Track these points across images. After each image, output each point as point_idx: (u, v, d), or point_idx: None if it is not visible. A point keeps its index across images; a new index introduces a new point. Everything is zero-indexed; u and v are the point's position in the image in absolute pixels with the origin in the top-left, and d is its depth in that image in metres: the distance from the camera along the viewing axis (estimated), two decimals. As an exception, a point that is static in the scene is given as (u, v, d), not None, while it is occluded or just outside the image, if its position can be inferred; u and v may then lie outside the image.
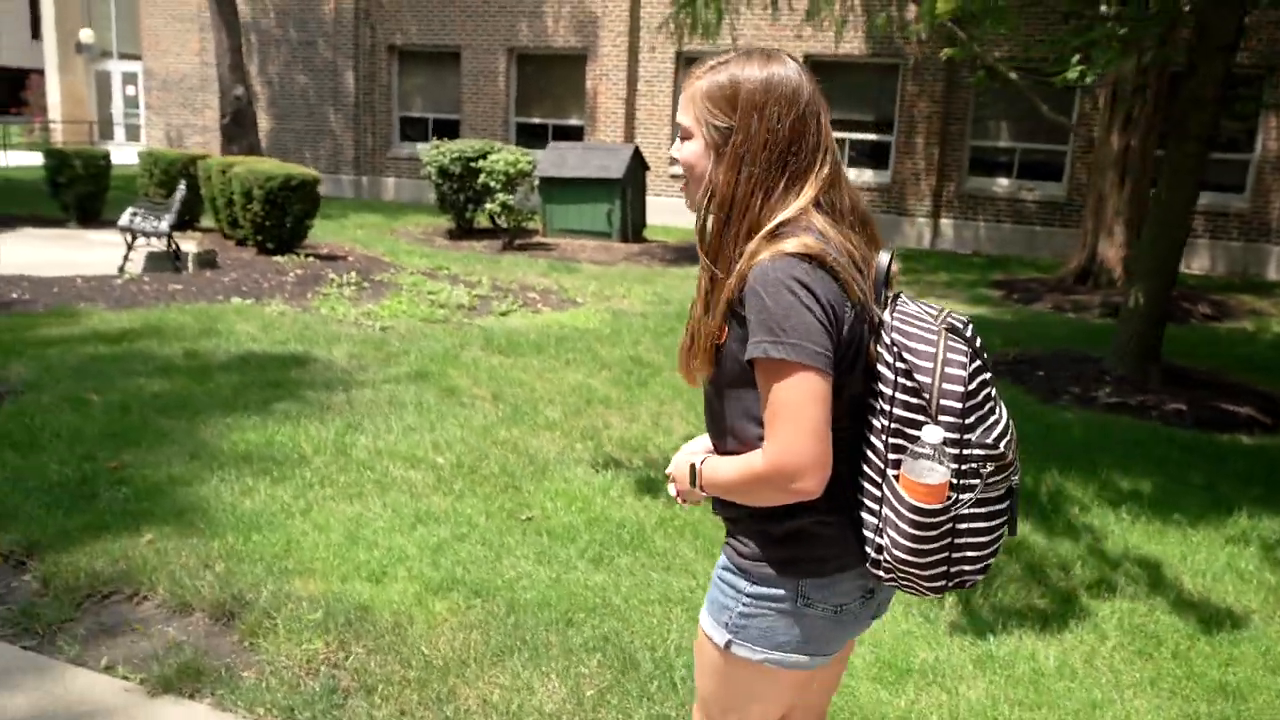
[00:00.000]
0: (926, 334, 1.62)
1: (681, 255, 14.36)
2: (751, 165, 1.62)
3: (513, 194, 14.48)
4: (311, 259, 11.42)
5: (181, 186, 11.11)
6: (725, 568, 1.78)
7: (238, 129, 19.12)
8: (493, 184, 14.31)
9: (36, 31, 48.18)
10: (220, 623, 3.45)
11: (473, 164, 14.83)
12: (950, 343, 1.62)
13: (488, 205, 14.39)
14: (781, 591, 1.70)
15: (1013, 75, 13.05)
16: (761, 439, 1.63)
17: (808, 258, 1.57)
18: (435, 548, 4.01)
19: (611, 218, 15.56)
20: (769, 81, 1.63)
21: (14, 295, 8.61)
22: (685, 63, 19.11)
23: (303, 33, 21.62)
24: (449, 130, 21.25)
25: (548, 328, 8.46)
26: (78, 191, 14.05)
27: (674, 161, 1.76)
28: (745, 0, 16.04)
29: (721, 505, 1.79)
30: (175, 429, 5.28)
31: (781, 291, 1.55)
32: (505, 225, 14.42)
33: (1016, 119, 17.42)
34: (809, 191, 1.63)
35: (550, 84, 20.53)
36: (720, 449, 1.78)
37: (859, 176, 18.32)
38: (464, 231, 15.60)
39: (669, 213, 18.18)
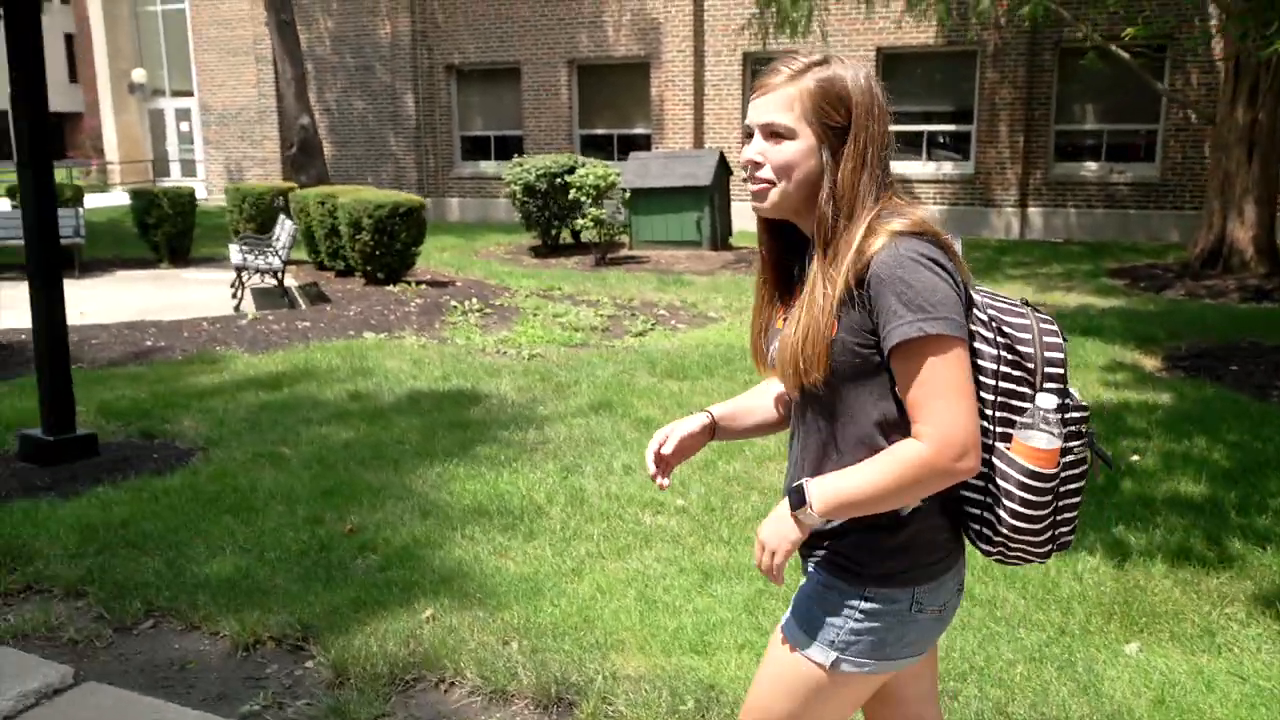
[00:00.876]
0: (1015, 308, 1.68)
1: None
2: (873, 164, 1.66)
3: (602, 208, 14.14)
4: (423, 286, 11.13)
5: (288, 222, 10.84)
6: (830, 585, 1.72)
7: (305, 158, 18.98)
8: (583, 199, 13.98)
9: (74, 75, 48.65)
10: (551, 713, 3.08)
11: (558, 180, 14.52)
12: (1038, 315, 1.68)
13: (578, 220, 14.05)
14: (897, 604, 1.68)
15: (1124, 54, 12.53)
16: (882, 431, 1.64)
17: (924, 234, 1.62)
18: (746, 607, 3.63)
19: (701, 226, 15.19)
20: (869, 84, 1.69)
21: (148, 343, 8.35)
22: (753, 65, 18.74)
23: (359, 58, 21.46)
24: (512, 147, 20.99)
25: (701, 347, 8.08)
26: (166, 231, 13.87)
27: (750, 165, 1.72)
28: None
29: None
30: (387, 483, 4.94)
31: (919, 269, 1.57)
32: (596, 240, 14.08)
33: (1102, 100, 16.90)
34: (890, 183, 1.70)
35: (613, 94, 20.22)
36: (821, 456, 1.71)
37: (939, 169, 17.85)
38: (549, 249, 15.29)
39: (750, 218, 17.76)
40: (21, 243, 12.15)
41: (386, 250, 10.95)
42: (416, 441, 5.59)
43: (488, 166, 21.31)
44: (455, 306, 9.90)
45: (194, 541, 4.26)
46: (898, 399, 1.64)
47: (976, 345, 1.65)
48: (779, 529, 1.68)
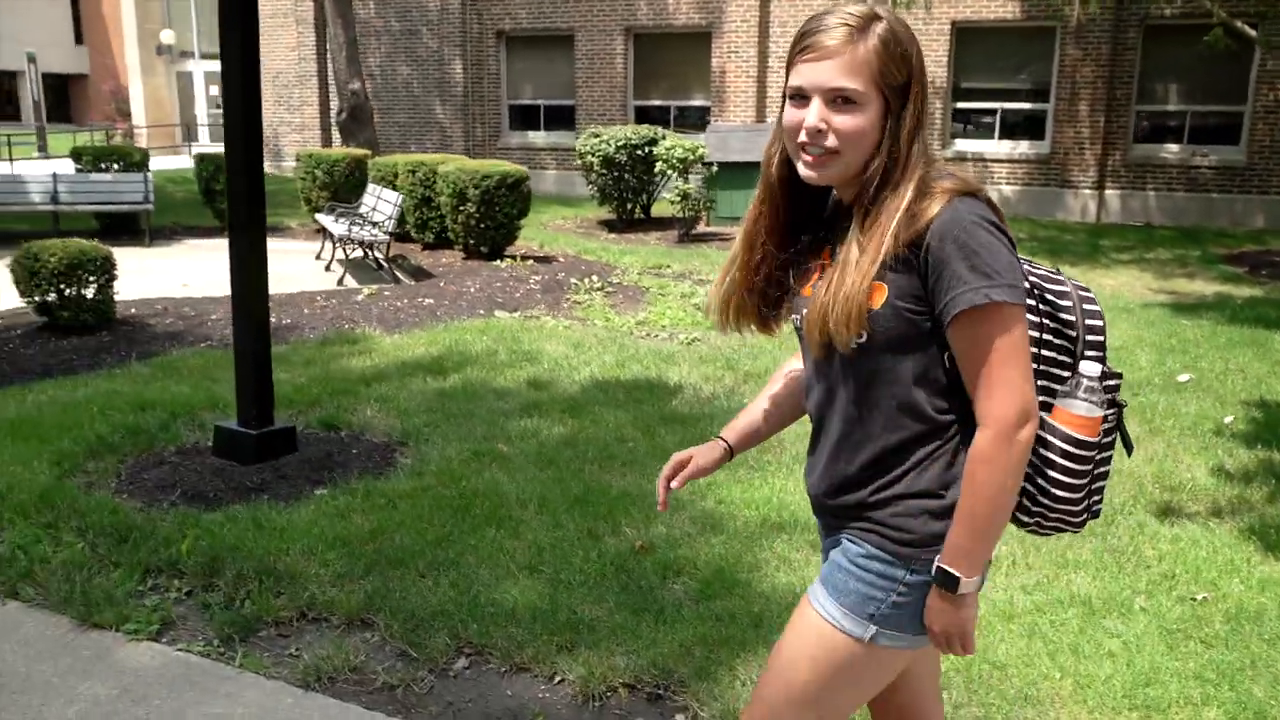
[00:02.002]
0: (1054, 276, 1.63)
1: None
2: (923, 125, 1.58)
3: (688, 182, 13.58)
4: (530, 262, 10.57)
5: (389, 192, 10.22)
6: (872, 556, 1.64)
7: (355, 125, 18.30)
8: (670, 172, 13.41)
9: (80, 37, 47.54)
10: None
11: (639, 152, 13.93)
12: (1076, 284, 1.64)
13: (665, 194, 13.48)
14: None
15: (1251, 31, 12.00)
16: (931, 402, 1.59)
17: (979, 195, 1.54)
18: (1167, 643, 3.14)
19: (781, 203, 14.63)
20: (915, 39, 1.60)
21: (276, 320, 7.79)
22: (820, 35, 18.11)
23: (404, 22, 20.73)
24: (562, 117, 20.37)
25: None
26: (232, 199, 13.21)
27: (818, 133, 1.57)
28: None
29: (853, 488, 1.66)
30: (637, 489, 4.43)
31: (981, 232, 1.50)
32: (680, 215, 13.52)
33: (1185, 80, 16.38)
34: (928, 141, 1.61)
35: (671, 64, 19.57)
36: (860, 433, 1.64)
37: (1014, 148, 17.32)
38: (625, 224, 14.72)
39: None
40: (99, 207, 11.69)
41: (491, 223, 10.36)
42: (639, 439, 5.08)
43: (536, 137, 20.68)
44: (575, 285, 9.36)
45: (465, 559, 3.75)
46: (945, 364, 1.59)
47: None
48: (952, 617, 1.59)
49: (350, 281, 9.64)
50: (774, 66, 18.47)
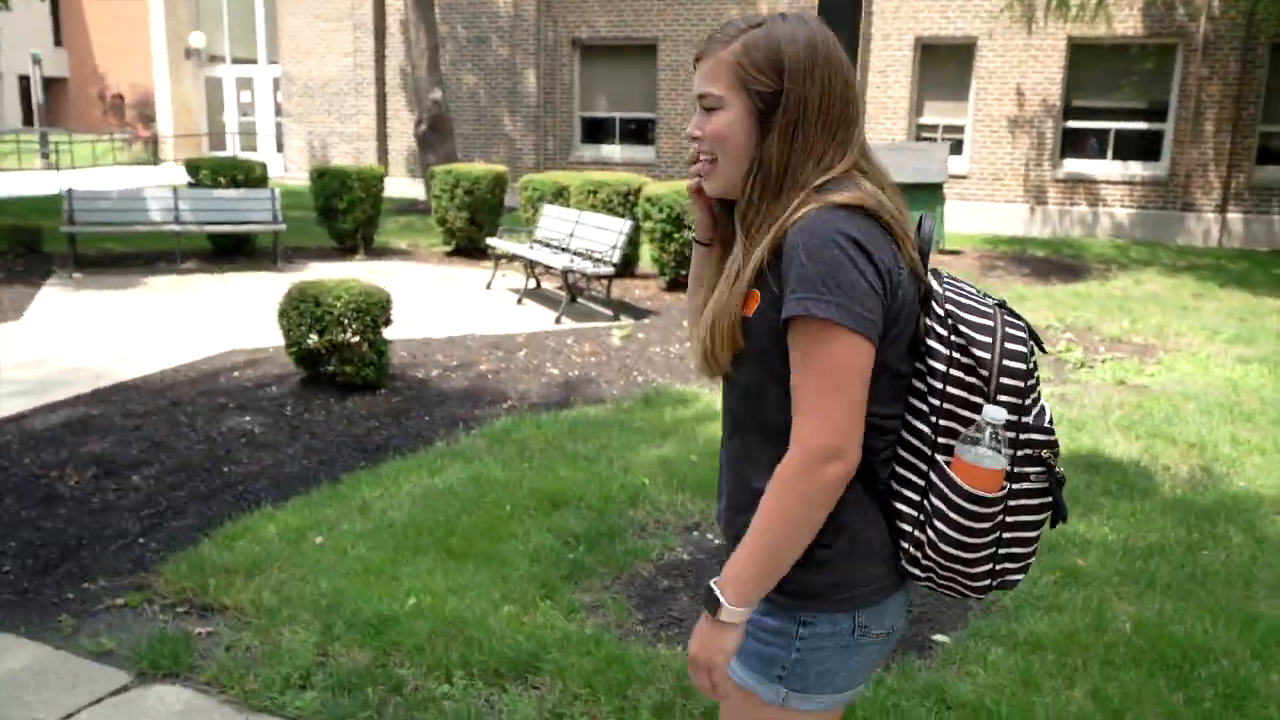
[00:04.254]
0: (982, 307, 1.50)
1: (1019, 263, 12.65)
2: (806, 133, 1.49)
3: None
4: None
5: (620, 220, 9.11)
6: (763, 614, 1.55)
7: (435, 135, 17.20)
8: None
9: (59, 40, 45.52)
10: None
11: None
12: (1007, 318, 1.50)
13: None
14: (837, 629, 1.52)
15: None
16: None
17: (860, 209, 1.43)
18: None
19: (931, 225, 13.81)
20: (812, 44, 1.50)
21: (558, 371, 6.70)
22: (922, 49, 17.39)
23: (472, 29, 19.64)
24: (638, 130, 19.41)
25: (1240, 382, 6.70)
26: (356, 217, 12.07)
27: (695, 139, 1.56)
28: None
29: (743, 514, 1.53)
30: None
31: (829, 246, 1.39)
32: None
33: (1311, 100, 15.89)
34: (853, 154, 1.51)
35: (760, 77, 18.69)
36: (746, 456, 1.56)
37: (1125, 169, 16.68)
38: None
39: (957, 216, 16.32)
40: (228, 227, 10.43)
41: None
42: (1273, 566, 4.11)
43: (611, 151, 19.68)
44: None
45: None
46: None
47: (930, 343, 1.48)
48: (706, 642, 1.49)
49: (568, 320, 8.57)
50: (874, 81, 17.68)
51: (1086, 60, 16.74)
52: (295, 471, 4.83)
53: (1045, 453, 1.48)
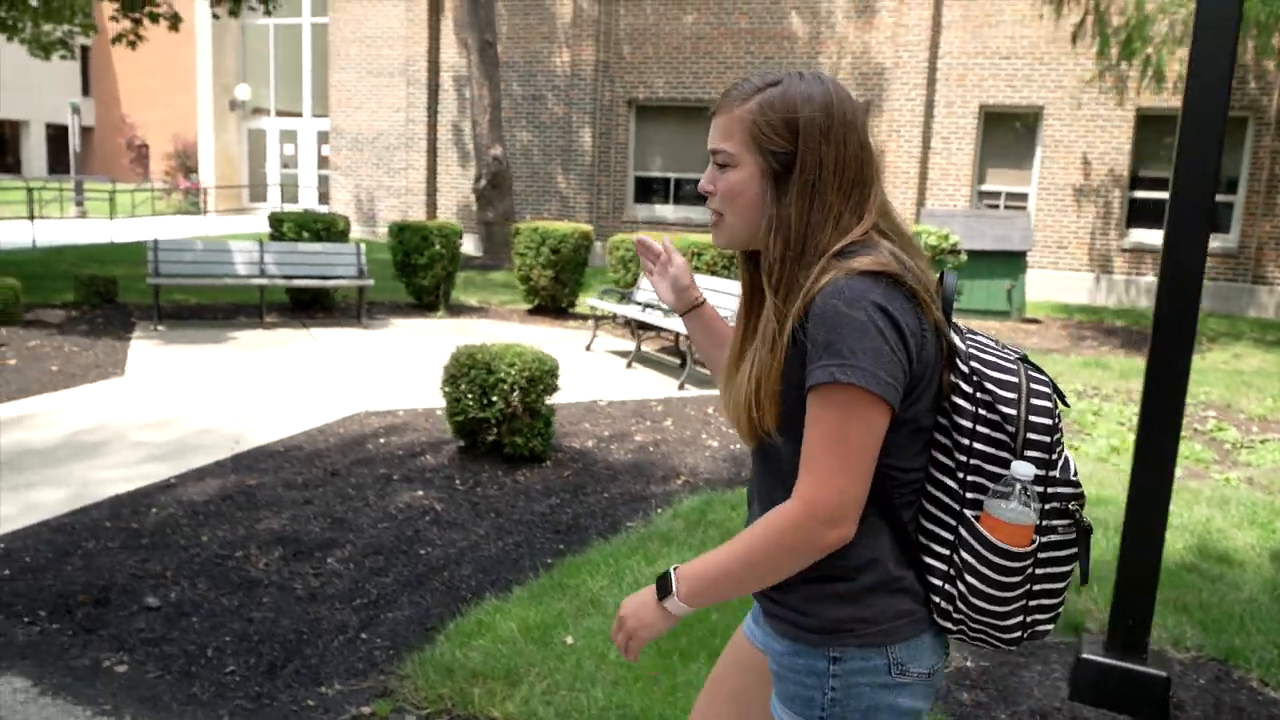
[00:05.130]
0: (1006, 363, 1.51)
1: (1105, 333, 12.32)
2: (823, 195, 1.49)
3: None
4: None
5: (735, 284, 8.80)
6: (793, 653, 1.54)
7: (495, 191, 17.03)
8: (919, 261, 12.21)
9: (87, 89, 45.74)
10: None
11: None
12: (1031, 373, 1.51)
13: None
14: (872, 664, 1.49)
15: None
16: None
17: (884, 276, 1.43)
18: None
19: (1013, 295, 13.54)
20: (828, 103, 1.50)
21: (715, 446, 6.30)
22: (986, 118, 17.27)
23: (528, 87, 19.55)
24: (690, 190, 19.23)
25: None
26: (436, 274, 11.76)
27: (706, 194, 1.58)
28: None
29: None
30: None
31: (855, 311, 1.39)
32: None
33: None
34: (871, 215, 1.51)
35: (819, 141, 18.56)
36: (762, 511, 1.58)
37: (1194, 240, 16.44)
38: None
39: (1042, 285, 16.02)
40: (314, 282, 10.08)
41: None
42: None
43: (665, 210, 19.49)
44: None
45: None
46: None
47: (955, 400, 1.48)
48: (642, 613, 1.52)
49: (691, 387, 8.21)
50: (936, 148, 17.54)
51: (1154, 131, 16.61)
52: (494, 555, 4.42)
53: (1073, 505, 1.49)
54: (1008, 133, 17.44)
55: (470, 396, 5.40)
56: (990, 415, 1.46)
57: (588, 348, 9.86)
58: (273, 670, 3.40)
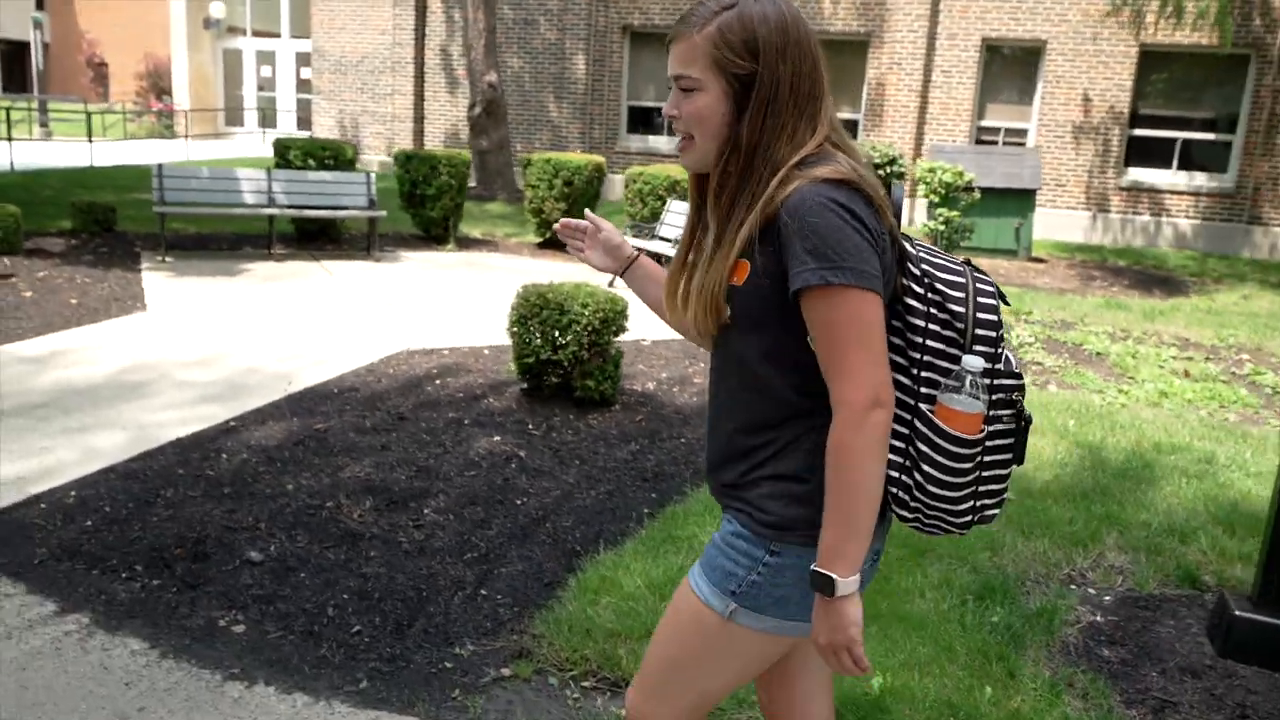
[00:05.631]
0: (954, 266, 1.60)
1: (1113, 273, 12.34)
2: (779, 111, 1.56)
3: (952, 209, 12.29)
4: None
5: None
6: (738, 535, 1.64)
7: (489, 120, 16.61)
8: (933, 198, 12.09)
9: (40, 2, 43.85)
10: None
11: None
12: (976, 274, 1.60)
13: (928, 222, 12.17)
14: (805, 561, 1.58)
15: None
16: (789, 381, 1.58)
17: (845, 184, 1.52)
18: None
19: (1020, 234, 13.49)
20: (783, 23, 1.57)
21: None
22: (989, 51, 17.03)
23: (520, 12, 18.97)
24: (687, 122, 18.89)
25: None
26: (444, 206, 11.45)
27: (672, 119, 1.63)
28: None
29: (729, 466, 1.67)
30: None
31: (827, 215, 1.47)
32: (942, 245, 12.22)
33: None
34: (823, 130, 1.59)
35: (819, 72, 18.23)
36: (732, 411, 1.66)
37: (1190, 180, 16.47)
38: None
39: (1047, 225, 15.97)
40: (324, 212, 9.72)
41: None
42: None
43: (658, 141, 19.13)
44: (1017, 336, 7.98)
45: None
46: (809, 347, 1.54)
47: (908, 300, 1.57)
48: (834, 622, 1.54)
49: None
50: (937, 81, 17.29)
51: (1157, 68, 16.48)
52: (590, 505, 4.30)
53: (1015, 395, 1.58)
54: (1008, 67, 17.22)
55: (540, 337, 5.22)
56: (940, 314, 1.55)
57: (610, 284, 9.66)
58: (400, 630, 3.27)
